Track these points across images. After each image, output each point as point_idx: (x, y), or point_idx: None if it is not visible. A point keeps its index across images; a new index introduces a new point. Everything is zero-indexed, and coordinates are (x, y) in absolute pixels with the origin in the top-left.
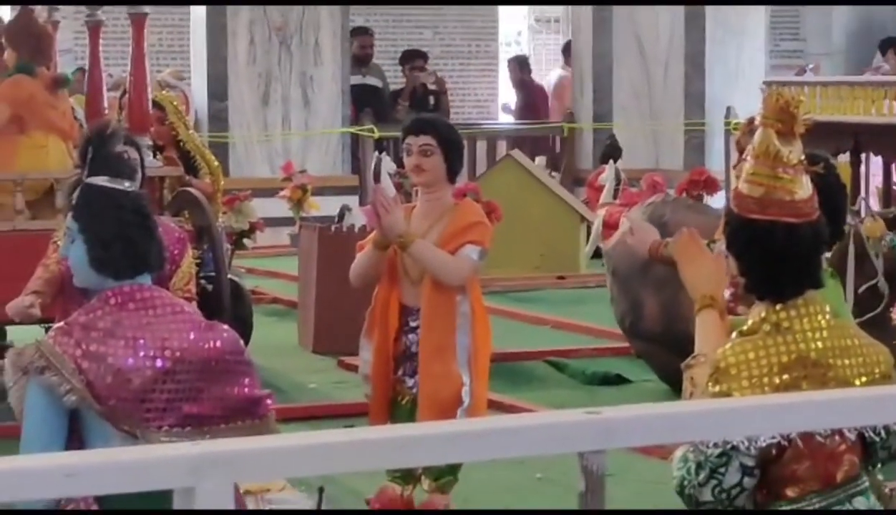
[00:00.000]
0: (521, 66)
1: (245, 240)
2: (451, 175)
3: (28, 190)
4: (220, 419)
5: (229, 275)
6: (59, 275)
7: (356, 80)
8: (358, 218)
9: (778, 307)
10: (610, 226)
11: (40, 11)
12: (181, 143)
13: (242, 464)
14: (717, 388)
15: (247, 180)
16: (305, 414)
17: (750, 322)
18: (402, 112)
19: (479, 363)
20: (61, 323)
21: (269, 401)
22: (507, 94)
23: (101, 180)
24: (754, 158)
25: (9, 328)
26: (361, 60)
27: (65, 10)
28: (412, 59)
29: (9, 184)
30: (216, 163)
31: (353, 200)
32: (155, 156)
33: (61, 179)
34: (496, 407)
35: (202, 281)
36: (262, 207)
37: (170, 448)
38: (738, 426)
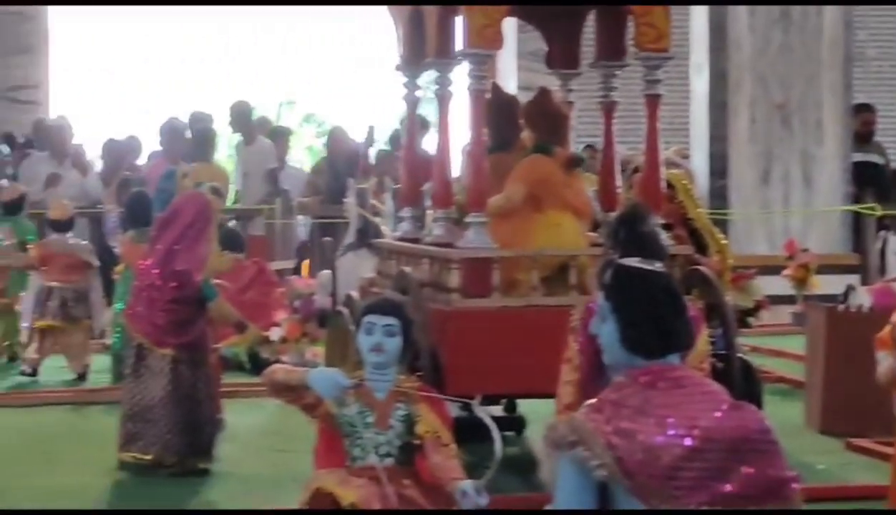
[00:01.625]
0: None
1: (749, 319)
2: None
3: (543, 266)
4: (746, 498)
5: (739, 354)
6: (580, 368)
7: (857, 157)
8: (863, 297)
9: None
10: None
11: (556, 92)
12: (690, 222)
13: None
14: None
15: (746, 258)
16: (814, 495)
17: None
18: None
19: None
20: (592, 401)
21: (795, 484)
22: None
23: (633, 261)
24: None
25: (520, 401)
26: (863, 138)
27: (578, 91)
28: None
29: (525, 260)
30: (724, 242)
31: (854, 279)
32: (665, 234)
33: (575, 256)
34: None
35: (713, 360)
36: (763, 285)
37: None
38: None
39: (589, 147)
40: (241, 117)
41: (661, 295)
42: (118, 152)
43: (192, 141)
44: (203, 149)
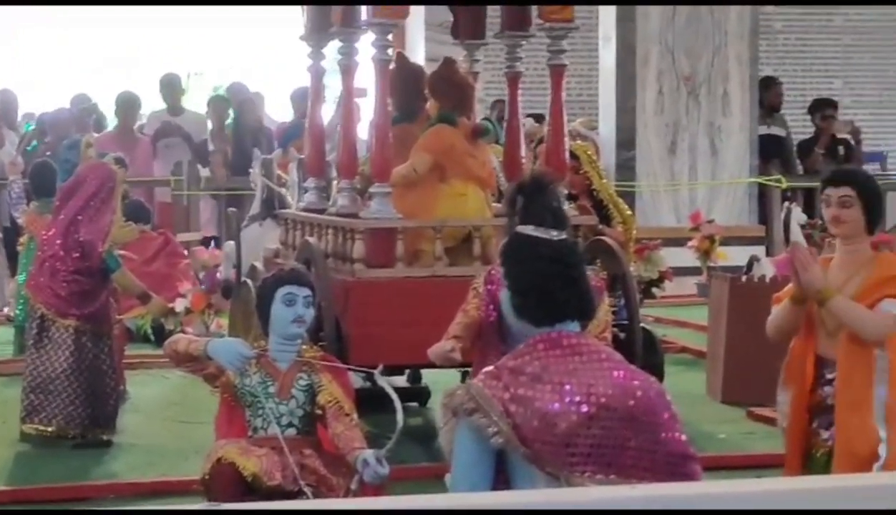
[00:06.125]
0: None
1: (654, 289)
2: (870, 227)
3: (447, 237)
4: (644, 470)
5: (641, 324)
6: (477, 321)
7: (761, 130)
8: (767, 268)
9: None
10: None
11: (461, 62)
12: (595, 192)
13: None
14: None
15: (653, 229)
16: (715, 464)
17: None
18: (817, 162)
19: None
20: (490, 368)
21: (697, 466)
22: None
23: (527, 229)
24: None
25: (424, 372)
26: (768, 110)
27: (484, 61)
28: (823, 107)
29: (429, 230)
30: (629, 213)
31: (759, 250)
32: (569, 204)
33: (479, 226)
34: None
35: (615, 330)
36: (669, 256)
37: (608, 491)
38: None
39: (488, 119)
40: (170, 88)
41: (547, 264)
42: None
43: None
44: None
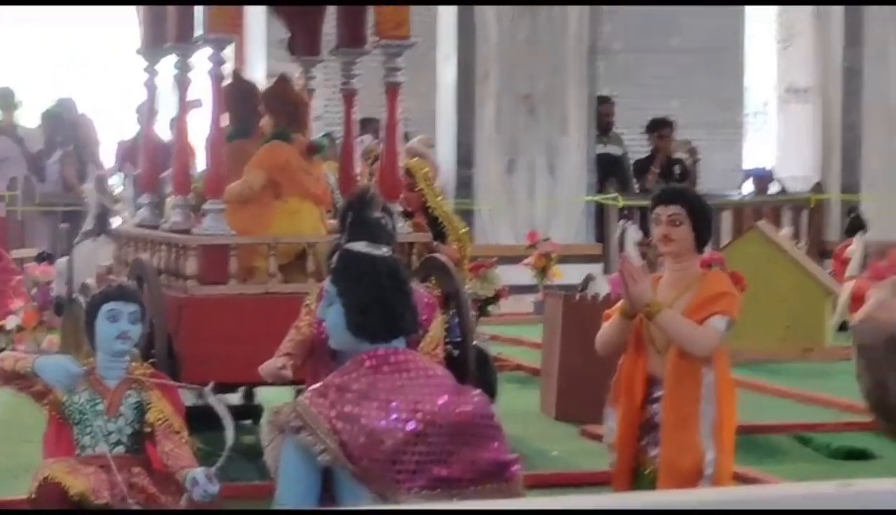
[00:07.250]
0: None
1: (489, 307)
2: (700, 245)
3: (281, 253)
4: (468, 482)
5: (475, 342)
6: (310, 338)
7: (598, 149)
8: (602, 286)
9: None
10: (857, 300)
11: (297, 79)
12: (430, 210)
13: None
14: None
15: (491, 247)
16: (548, 481)
17: None
18: (652, 180)
19: (723, 435)
20: (317, 385)
21: (516, 467)
22: (753, 164)
23: (359, 246)
24: None
25: (258, 389)
26: (602, 129)
27: (319, 78)
28: (659, 127)
29: (263, 247)
30: (463, 230)
31: (596, 269)
32: (404, 221)
33: (314, 243)
34: (740, 479)
35: (448, 347)
36: (506, 274)
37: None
38: None
39: (328, 135)
40: (3, 101)
41: (385, 279)
42: None
43: None
44: None
